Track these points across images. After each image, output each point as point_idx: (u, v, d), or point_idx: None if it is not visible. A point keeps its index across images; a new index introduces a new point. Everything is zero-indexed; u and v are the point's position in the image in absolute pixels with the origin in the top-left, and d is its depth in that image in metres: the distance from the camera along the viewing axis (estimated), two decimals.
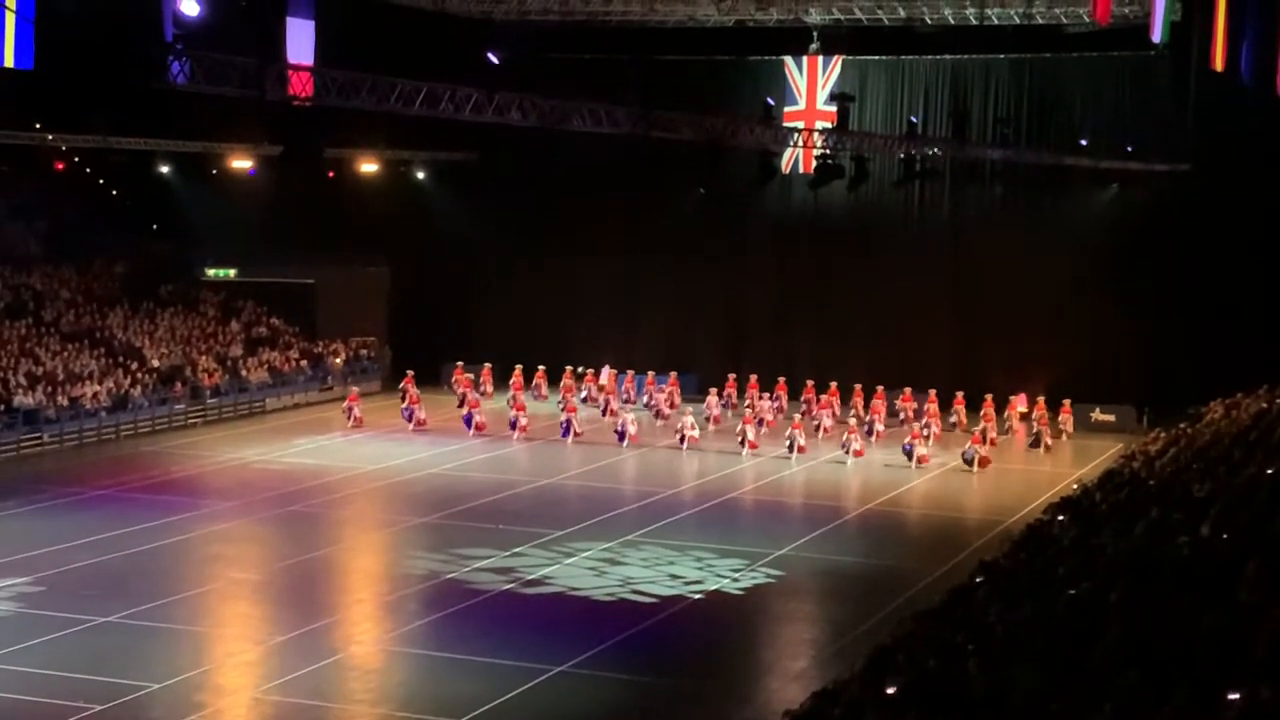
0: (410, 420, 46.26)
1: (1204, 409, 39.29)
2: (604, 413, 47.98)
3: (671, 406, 48.92)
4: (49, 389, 44.57)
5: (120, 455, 42.73)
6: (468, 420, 45.75)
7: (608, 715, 22.55)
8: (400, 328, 57.34)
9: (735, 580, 30.11)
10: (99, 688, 22.81)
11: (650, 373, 51.26)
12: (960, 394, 47.85)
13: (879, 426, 45.90)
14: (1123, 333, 49.10)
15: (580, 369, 52.28)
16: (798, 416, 44.88)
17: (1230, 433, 32.66)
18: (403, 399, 47.55)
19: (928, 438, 44.17)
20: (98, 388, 45.83)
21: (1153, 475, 29.27)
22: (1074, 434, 47.15)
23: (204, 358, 50.83)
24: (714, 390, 48.81)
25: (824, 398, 48.14)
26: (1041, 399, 47.12)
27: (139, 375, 47.67)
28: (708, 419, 46.99)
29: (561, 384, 50.78)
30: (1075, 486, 33.01)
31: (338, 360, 54.65)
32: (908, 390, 48.37)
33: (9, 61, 22.74)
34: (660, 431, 46.65)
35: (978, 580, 22.05)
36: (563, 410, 46.25)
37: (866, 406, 48.08)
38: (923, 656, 17.20)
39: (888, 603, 27.51)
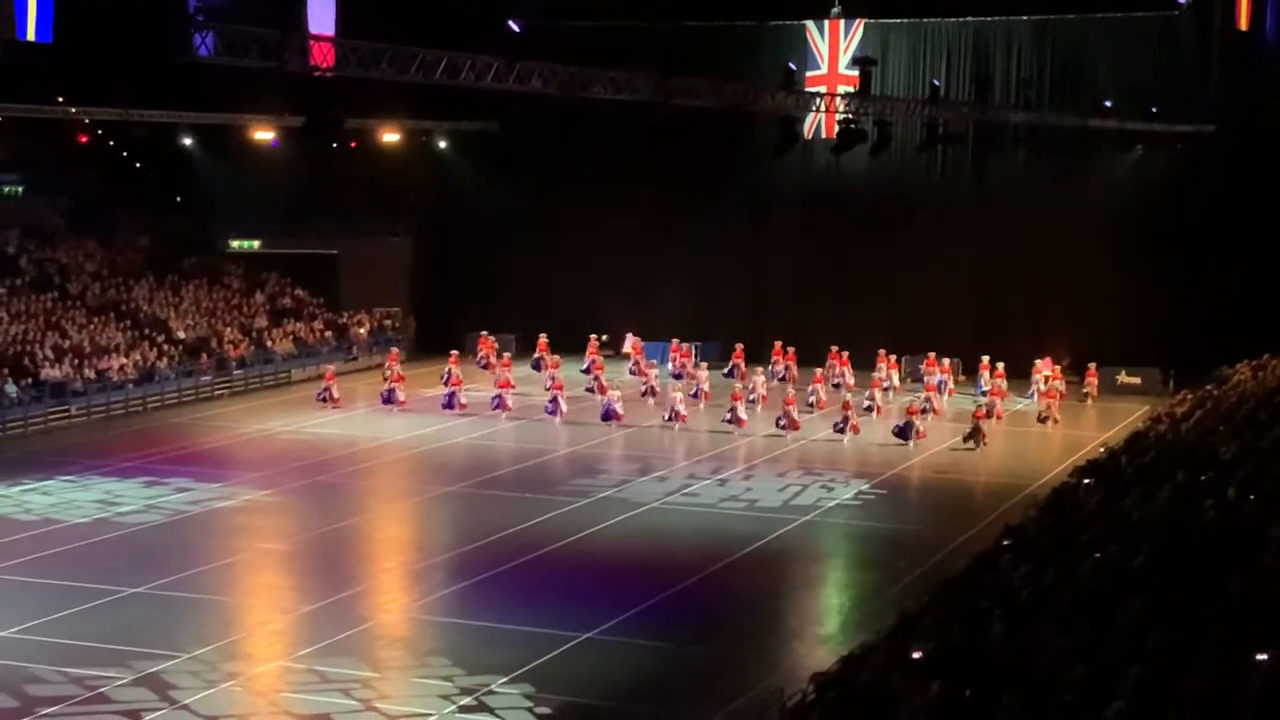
0: (389, 401, 44.35)
1: (1230, 371, 39.22)
2: (594, 390, 45.93)
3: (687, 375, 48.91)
4: (76, 362, 44.79)
5: (147, 427, 42.93)
6: (448, 400, 44.03)
7: (636, 681, 22.61)
8: (424, 298, 57.44)
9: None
10: (129, 657, 22.97)
11: (674, 340, 51.20)
12: (985, 358, 47.64)
13: (878, 401, 44.26)
14: (1148, 295, 48.87)
15: (604, 337, 52.24)
16: (791, 391, 43.48)
17: (1257, 395, 32.61)
18: (385, 378, 45.66)
19: (925, 412, 42.63)
20: (124, 360, 46.02)
21: (1179, 438, 29.26)
22: (1099, 397, 47.03)
23: (229, 329, 51.01)
24: (704, 364, 47.76)
25: (818, 370, 46.63)
26: (1056, 369, 46.58)
27: (165, 348, 47.86)
28: (696, 395, 45.05)
29: (548, 359, 48.20)
30: (1101, 450, 33.01)
31: (362, 331, 54.77)
32: (931, 355, 48.27)
33: (30, 35, 22.79)
34: (651, 409, 44.40)
35: (1003, 545, 22.10)
36: (548, 388, 44.57)
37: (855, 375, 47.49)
38: (949, 621, 17.26)
39: (913, 568, 27.55)
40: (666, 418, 42.37)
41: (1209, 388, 37.31)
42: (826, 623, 26.14)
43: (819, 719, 15.36)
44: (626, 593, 26.52)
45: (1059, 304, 50.72)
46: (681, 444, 40.82)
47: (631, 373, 49.15)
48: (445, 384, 44.55)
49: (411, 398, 45.12)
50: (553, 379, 45.07)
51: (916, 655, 15.97)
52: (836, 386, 46.52)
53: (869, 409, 43.56)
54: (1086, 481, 26.37)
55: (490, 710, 21.15)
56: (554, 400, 43.41)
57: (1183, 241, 48.22)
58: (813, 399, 44.52)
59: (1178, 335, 47.65)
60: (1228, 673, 13.45)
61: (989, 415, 41.83)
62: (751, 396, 43.97)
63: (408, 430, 41.87)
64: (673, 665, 23.43)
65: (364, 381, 49.01)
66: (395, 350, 48.26)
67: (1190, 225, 48.10)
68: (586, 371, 47.61)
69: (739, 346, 49.63)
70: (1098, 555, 18.85)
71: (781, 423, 41.31)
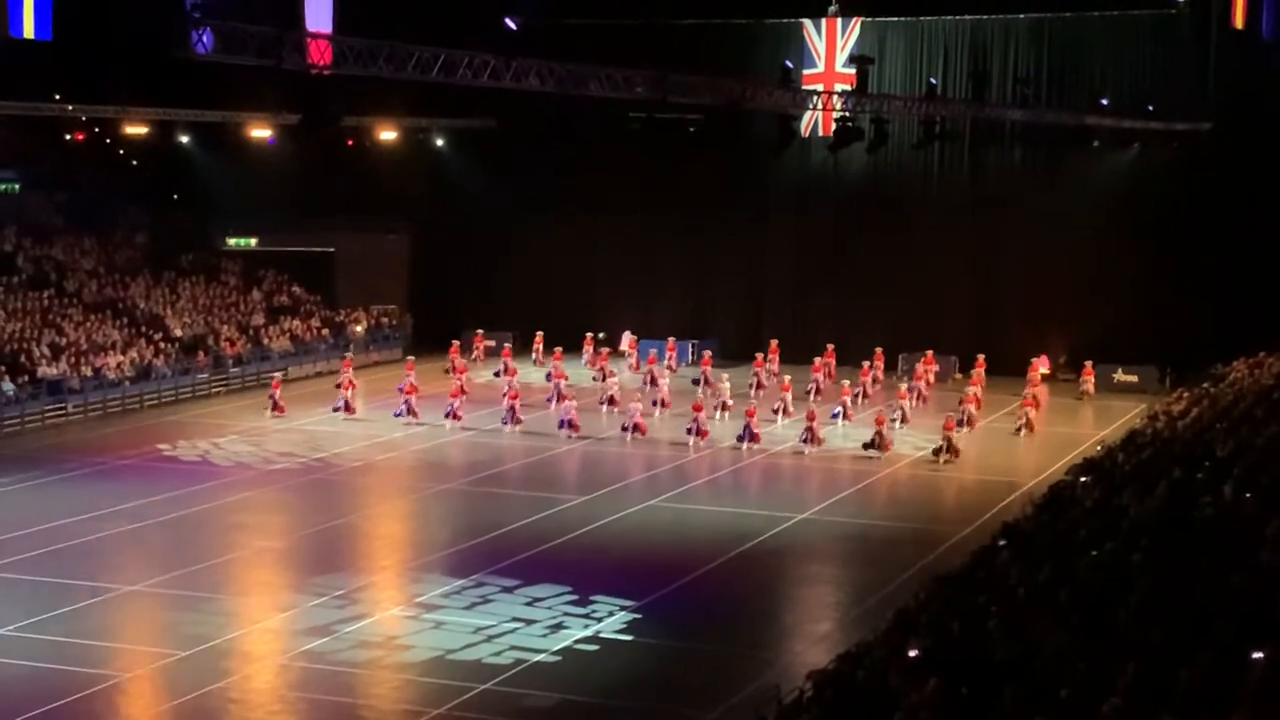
0: (341, 408, 42.74)
1: (1227, 368, 39.23)
2: (554, 399, 43.43)
3: (671, 370, 48.68)
4: (72, 359, 44.75)
5: (144, 425, 42.90)
6: (400, 409, 42.14)
7: (631, 679, 22.61)
8: (421, 295, 57.43)
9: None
10: (126, 656, 22.99)
11: (670, 338, 51.16)
12: (980, 356, 47.44)
13: (847, 409, 42.09)
14: (1145, 293, 48.89)
15: (602, 335, 52.22)
16: (753, 401, 41.94)
17: (1254, 392, 32.63)
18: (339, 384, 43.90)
19: (896, 420, 41.00)
20: (121, 358, 45.99)
21: (1175, 436, 29.26)
22: (1096, 395, 47.01)
23: (226, 327, 50.99)
24: (667, 372, 46.33)
25: (786, 379, 44.04)
26: (1035, 375, 45.92)
27: (161, 345, 47.84)
28: (656, 403, 43.23)
29: (508, 366, 46.62)
30: (1098, 448, 33.01)
31: (359, 328, 54.74)
32: (930, 353, 48.25)
33: (28, 33, 22.78)
34: (610, 419, 42.35)
35: (1000, 542, 22.10)
36: (505, 396, 42.24)
37: (832, 375, 46.76)
38: (946, 619, 17.26)
39: (910, 565, 27.54)
40: (624, 428, 40.37)
41: (1205, 385, 37.32)
42: (823, 620, 26.13)
43: (816, 716, 15.36)
44: (623, 591, 26.52)
45: (1056, 302, 50.75)
46: (638, 458, 38.85)
47: (630, 369, 48.98)
48: (401, 391, 42.72)
49: (369, 403, 44.10)
50: (509, 387, 43.24)
51: (914, 652, 15.97)
52: (809, 393, 44.78)
53: (836, 417, 41.83)
54: (1084, 479, 26.38)
55: (487, 708, 21.15)
56: (510, 410, 41.44)
57: (1179, 239, 48.25)
58: (778, 407, 42.43)
59: (1175, 333, 47.64)
60: (1225, 669, 13.46)
61: (962, 425, 40.42)
62: (716, 403, 42.54)
63: (432, 423, 41.55)
64: (670, 663, 23.45)
65: (361, 380, 49.05)
66: (349, 356, 47.45)
67: (1187, 223, 48.11)
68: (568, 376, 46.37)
69: (706, 353, 49.00)
70: (1095, 552, 18.85)
71: (742, 435, 39.20)
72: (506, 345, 49.95)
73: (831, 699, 15.59)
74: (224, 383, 48.37)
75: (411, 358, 46.05)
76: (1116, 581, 17.07)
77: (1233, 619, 14.72)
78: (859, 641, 18.89)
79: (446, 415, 41.72)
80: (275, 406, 43.11)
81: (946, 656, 15.40)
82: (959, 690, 14.30)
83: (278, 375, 45.65)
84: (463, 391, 43.13)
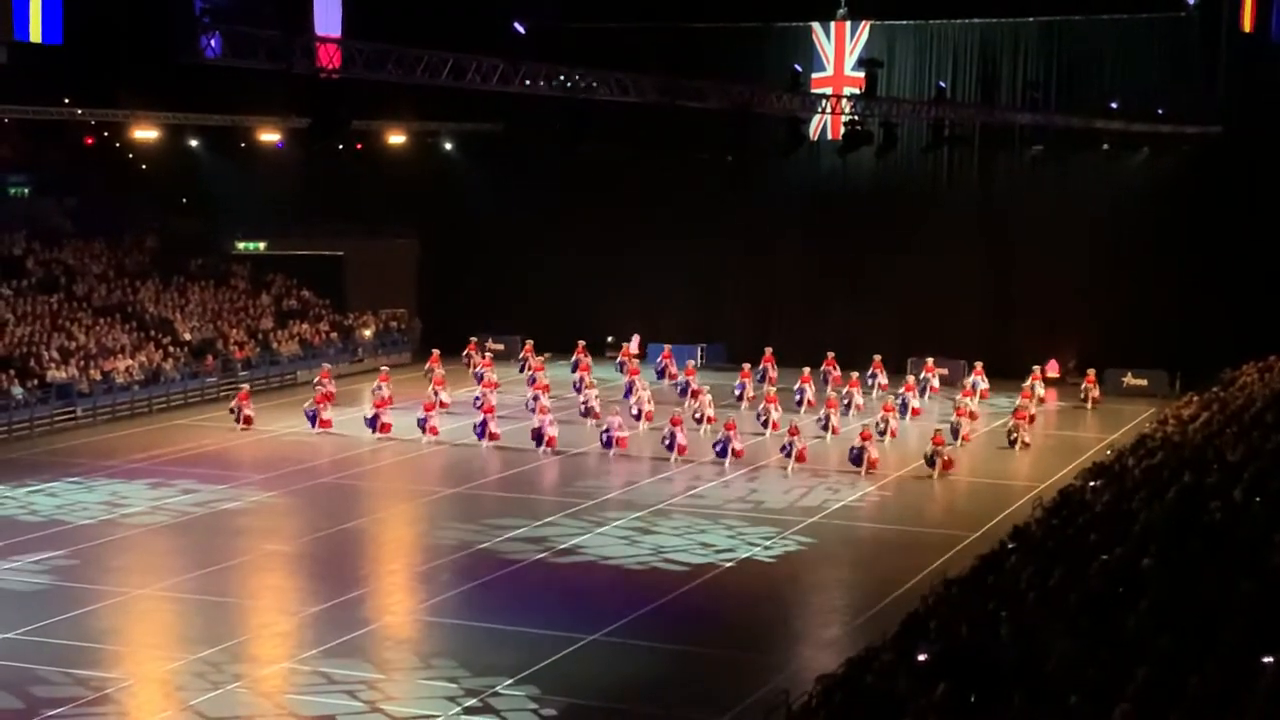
0: (313, 421, 41.65)
1: (1237, 372, 39.15)
2: (534, 409, 41.29)
3: (670, 377, 48.45)
4: (81, 363, 44.80)
5: (153, 429, 42.93)
6: (371, 421, 40.95)
7: (640, 684, 22.59)
8: (430, 299, 57.45)
9: (767, 549, 30.15)
10: (135, 660, 22.97)
11: (667, 346, 50.97)
12: (979, 364, 47.02)
13: (833, 422, 41.02)
14: (1155, 296, 48.83)
15: (610, 339, 52.14)
16: (733, 415, 40.51)
17: (1264, 396, 32.56)
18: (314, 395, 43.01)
19: (884, 433, 40.21)
20: (130, 362, 46.04)
21: (1185, 440, 29.22)
22: (1104, 400, 46.92)
23: (235, 331, 51.03)
24: (645, 384, 44.95)
25: (771, 390, 43.54)
26: (1027, 387, 45.27)
27: (170, 349, 47.88)
28: (637, 416, 41.85)
29: (484, 379, 44.35)
30: (1108, 452, 32.96)
31: (367, 332, 54.78)
32: (930, 361, 48.17)
33: (37, 37, 22.79)
34: (588, 432, 41.29)
35: (1010, 547, 22.08)
36: (479, 408, 41.03)
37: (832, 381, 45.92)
38: (955, 623, 17.24)
39: (919, 570, 27.49)
40: (603, 443, 39.32)
41: (1215, 390, 37.26)
42: (831, 624, 26.09)
43: None
44: (632, 595, 26.51)
45: (1065, 306, 50.70)
46: (621, 471, 37.68)
47: (619, 369, 48.79)
48: (373, 402, 41.81)
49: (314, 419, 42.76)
50: (484, 399, 41.73)
51: (923, 657, 15.95)
52: (797, 404, 44.00)
53: (824, 426, 41.07)
54: (1093, 483, 26.35)
55: (495, 712, 21.15)
56: (483, 423, 40.01)
57: (1189, 243, 48.20)
58: (764, 419, 41.60)
59: (1184, 337, 47.55)
60: (1235, 674, 13.43)
61: (955, 437, 39.81)
62: (698, 415, 41.71)
63: (440, 427, 41.03)
64: (678, 667, 23.42)
65: (368, 384, 49.06)
66: (327, 367, 46.48)
67: (1196, 227, 48.07)
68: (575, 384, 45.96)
69: (690, 363, 48.30)
70: (1105, 557, 18.83)
71: (719, 448, 38.10)
72: (488, 355, 49.46)
73: (840, 704, 15.58)
74: (233, 387, 48.24)
75: (385, 368, 45.55)
76: (1126, 586, 17.04)
77: (1242, 624, 14.70)
78: (867, 646, 18.87)
79: (420, 427, 40.53)
80: (243, 419, 42.11)
81: (955, 661, 15.38)
82: (968, 695, 14.28)
83: (244, 387, 44.47)
84: (440, 404, 42.48)
